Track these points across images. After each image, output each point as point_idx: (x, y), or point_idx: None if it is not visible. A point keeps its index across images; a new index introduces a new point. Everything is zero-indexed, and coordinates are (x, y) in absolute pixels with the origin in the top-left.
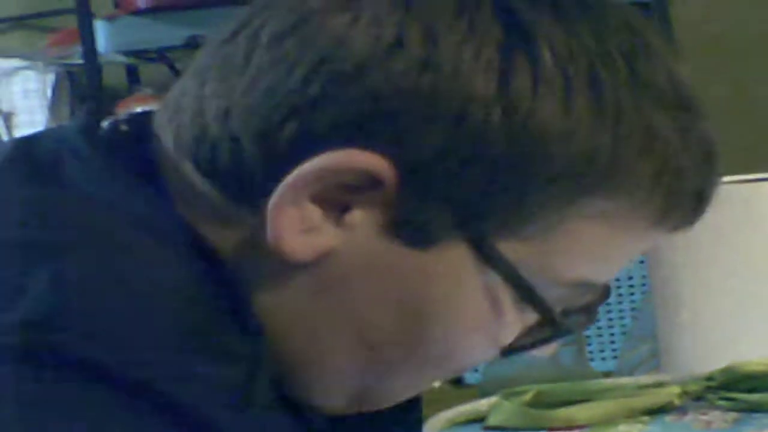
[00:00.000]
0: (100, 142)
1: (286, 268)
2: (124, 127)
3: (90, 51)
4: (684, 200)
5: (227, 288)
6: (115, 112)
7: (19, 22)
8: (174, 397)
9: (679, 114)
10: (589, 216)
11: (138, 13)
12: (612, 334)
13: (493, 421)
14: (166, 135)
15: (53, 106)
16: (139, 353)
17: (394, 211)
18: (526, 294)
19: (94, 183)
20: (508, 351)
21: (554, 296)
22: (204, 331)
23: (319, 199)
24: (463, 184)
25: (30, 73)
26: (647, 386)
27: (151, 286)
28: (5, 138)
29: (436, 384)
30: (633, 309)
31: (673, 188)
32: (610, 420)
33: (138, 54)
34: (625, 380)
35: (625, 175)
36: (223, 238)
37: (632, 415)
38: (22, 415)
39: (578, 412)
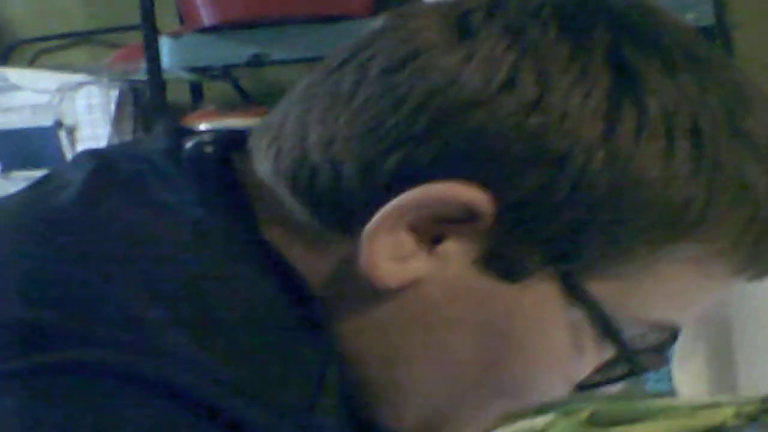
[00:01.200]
0: (185, 164)
1: (374, 293)
2: (208, 149)
3: (154, 67)
4: (766, 252)
5: (305, 309)
6: (179, 129)
7: (84, 37)
8: (239, 417)
9: None
10: (678, 260)
11: (203, 30)
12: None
13: None
14: (263, 157)
15: (116, 121)
16: (206, 371)
17: (487, 244)
18: (608, 332)
19: (179, 202)
20: (581, 387)
21: (632, 335)
22: (274, 352)
23: (415, 229)
24: (559, 224)
25: (94, 88)
26: (702, 407)
27: (225, 305)
28: (68, 151)
29: None
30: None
31: (760, 239)
32: None
33: (202, 71)
34: (680, 401)
35: (717, 223)
36: (312, 261)
37: None
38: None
39: None
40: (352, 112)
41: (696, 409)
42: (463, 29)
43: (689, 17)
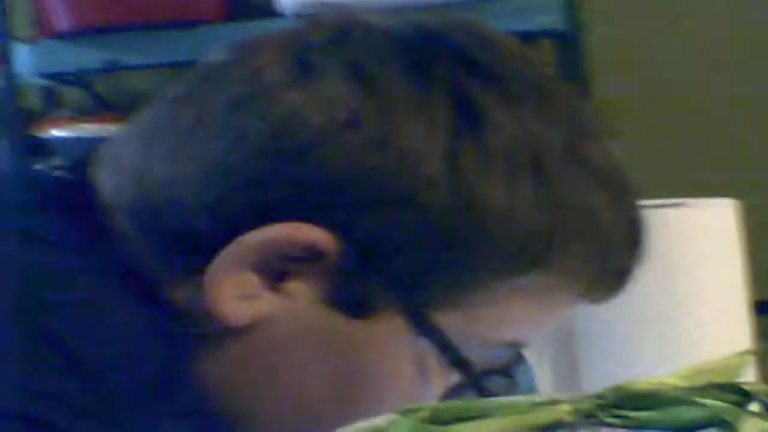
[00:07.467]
0: (47, 196)
1: (225, 331)
2: (67, 177)
3: (6, 73)
4: (610, 277)
5: (170, 346)
6: (32, 134)
7: None
8: None
9: (614, 194)
10: (522, 290)
11: (58, 35)
12: None
13: None
14: (106, 191)
15: None
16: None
17: (333, 283)
18: (455, 361)
19: (53, 237)
20: None
21: (480, 357)
22: (151, 389)
23: (259, 267)
24: (405, 261)
25: None
26: (541, 404)
27: (102, 342)
28: None
29: None
30: None
31: (603, 266)
32: None
33: (56, 76)
34: (520, 398)
35: (561, 255)
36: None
37: None
38: None
39: (472, 429)
40: (194, 149)
41: (534, 405)
42: (304, 66)
43: (539, 20)
